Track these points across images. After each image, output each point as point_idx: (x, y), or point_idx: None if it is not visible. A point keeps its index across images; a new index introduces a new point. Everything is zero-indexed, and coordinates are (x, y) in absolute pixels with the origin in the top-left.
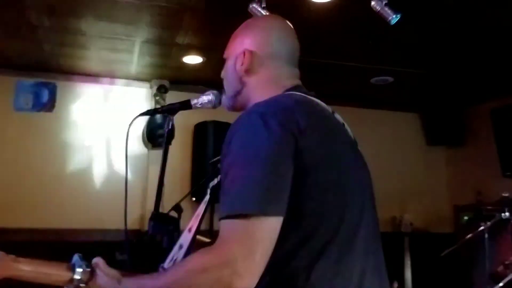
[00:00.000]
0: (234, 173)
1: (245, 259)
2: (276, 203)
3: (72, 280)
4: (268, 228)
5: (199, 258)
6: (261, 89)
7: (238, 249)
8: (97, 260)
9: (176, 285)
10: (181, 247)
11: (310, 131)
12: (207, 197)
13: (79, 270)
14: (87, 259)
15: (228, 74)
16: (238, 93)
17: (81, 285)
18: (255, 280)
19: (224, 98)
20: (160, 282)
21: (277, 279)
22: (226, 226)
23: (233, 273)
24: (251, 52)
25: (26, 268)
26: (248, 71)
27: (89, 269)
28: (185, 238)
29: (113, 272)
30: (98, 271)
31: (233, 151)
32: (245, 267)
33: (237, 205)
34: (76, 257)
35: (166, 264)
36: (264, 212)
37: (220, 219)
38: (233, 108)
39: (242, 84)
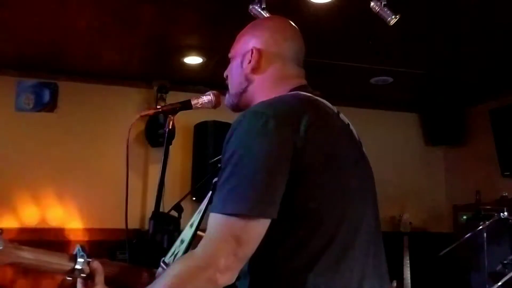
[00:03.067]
0: (229, 172)
1: (227, 258)
2: (266, 205)
3: (73, 270)
4: (254, 230)
5: (186, 262)
6: (266, 88)
7: (222, 248)
8: (96, 266)
9: None
10: (182, 242)
11: (312, 132)
12: (210, 193)
13: (80, 260)
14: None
15: (233, 71)
16: (243, 91)
17: (82, 275)
18: (234, 275)
19: (227, 96)
20: None
21: (277, 279)
22: (215, 223)
23: (216, 271)
24: (258, 50)
25: (28, 256)
26: (255, 69)
27: (90, 260)
28: (187, 233)
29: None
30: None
31: (230, 149)
32: (226, 264)
33: (228, 205)
34: (78, 248)
35: (167, 258)
36: (253, 214)
37: (210, 212)
38: (237, 106)
39: (248, 82)
